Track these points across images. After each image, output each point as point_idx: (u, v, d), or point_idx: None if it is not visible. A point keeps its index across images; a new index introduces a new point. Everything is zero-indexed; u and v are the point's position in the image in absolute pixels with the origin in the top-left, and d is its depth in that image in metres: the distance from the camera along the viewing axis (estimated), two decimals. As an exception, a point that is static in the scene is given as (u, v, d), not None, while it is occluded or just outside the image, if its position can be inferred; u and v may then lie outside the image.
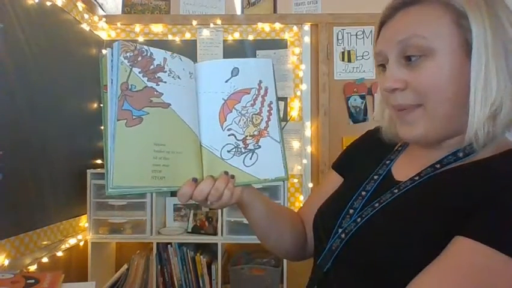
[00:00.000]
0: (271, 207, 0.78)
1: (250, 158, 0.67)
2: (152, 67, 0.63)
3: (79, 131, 2.01)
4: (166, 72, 0.64)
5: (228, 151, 0.67)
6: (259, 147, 0.68)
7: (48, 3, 1.76)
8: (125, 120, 0.59)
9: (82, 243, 2.00)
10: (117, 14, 2.38)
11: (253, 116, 0.68)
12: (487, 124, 0.57)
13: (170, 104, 0.63)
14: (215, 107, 0.68)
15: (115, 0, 2.43)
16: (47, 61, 1.75)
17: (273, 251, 0.85)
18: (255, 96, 0.69)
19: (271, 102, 0.69)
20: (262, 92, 0.69)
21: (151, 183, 0.60)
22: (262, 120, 0.68)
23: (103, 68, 0.62)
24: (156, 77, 0.63)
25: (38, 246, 1.64)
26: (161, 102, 0.62)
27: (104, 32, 2.33)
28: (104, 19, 2.30)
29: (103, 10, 2.32)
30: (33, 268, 1.59)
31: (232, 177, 0.66)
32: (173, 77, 0.64)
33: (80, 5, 2.06)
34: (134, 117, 0.59)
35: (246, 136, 0.68)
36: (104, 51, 0.72)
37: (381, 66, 0.66)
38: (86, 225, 2.02)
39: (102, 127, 0.60)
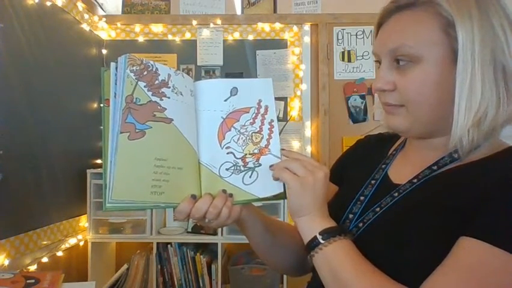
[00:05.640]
0: (271, 225, 0.77)
1: (250, 176, 0.67)
2: (157, 82, 0.63)
3: (79, 131, 2.01)
4: (170, 88, 0.64)
5: (227, 169, 0.66)
6: (260, 165, 0.67)
7: (48, 3, 1.76)
8: (128, 133, 0.58)
9: (82, 243, 2.01)
10: (117, 14, 2.38)
11: (253, 134, 0.68)
12: (472, 131, 0.58)
13: (172, 120, 0.63)
14: (214, 125, 0.68)
15: (115, 0, 2.43)
16: (47, 61, 1.75)
17: (275, 268, 0.84)
18: (254, 115, 0.69)
19: (272, 120, 0.69)
20: (262, 110, 0.69)
21: (150, 199, 0.59)
22: (262, 138, 0.68)
23: (105, 81, 0.62)
24: (160, 92, 0.63)
25: (38, 246, 1.64)
26: (164, 117, 0.62)
27: (104, 32, 2.33)
28: (104, 19, 2.30)
29: (103, 10, 2.32)
30: (33, 268, 1.59)
31: (231, 195, 0.65)
32: (176, 93, 0.64)
33: (80, 5, 2.06)
34: (137, 130, 0.59)
35: (246, 154, 0.67)
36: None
37: (379, 62, 0.68)
38: (86, 225, 2.02)
39: (102, 139, 0.60)
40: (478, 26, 0.58)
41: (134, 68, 0.61)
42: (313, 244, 0.61)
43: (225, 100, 0.68)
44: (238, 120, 0.68)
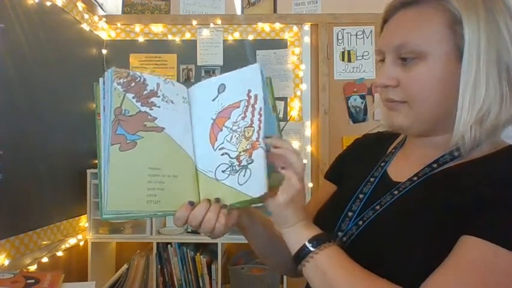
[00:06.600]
0: (270, 227, 0.75)
1: (244, 175, 0.62)
2: (145, 92, 0.63)
3: (79, 131, 2.01)
4: (159, 97, 0.64)
5: (223, 171, 0.64)
6: (252, 161, 0.61)
7: (48, 3, 1.76)
8: (119, 145, 0.59)
9: (82, 243, 2.01)
10: (117, 14, 2.38)
11: (245, 129, 0.63)
12: (474, 128, 0.58)
13: (164, 128, 0.63)
14: (205, 128, 0.66)
15: (115, 0, 2.43)
16: (47, 61, 1.75)
17: (275, 269, 0.84)
18: (245, 108, 0.64)
19: (260, 109, 0.63)
20: (252, 101, 0.64)
21: (146, 208, 0.59)
22: (254, 131, 0.62)
23: (97, 95, 0.62)
24: (149, 101, 0.63)
25: (38, 246, 1.64)
26: (155, 126, 0.62)
27: (104, 32, 2.33)
28: (104, 19, 2.30)
29: (103, 10, 2.32)
30: (33, 268, 1.59)
31: (225, 206, 0.62)
32: (166, 101, 0.65)
33: (80, 5, 2.06)
34: (128, 141, 0.59)
35: (240, 152, 0.63)
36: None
37: (382, 61, 0.68)
38: (86, 225, 2.02)
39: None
40: (484, 25, 0.58)
41: (121, 80, 0.62)
42: (303, 253, 0.59)
43: (213, 100, 0.67)
44: (229, 118, 0.65)
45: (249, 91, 0.64)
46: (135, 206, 0.59)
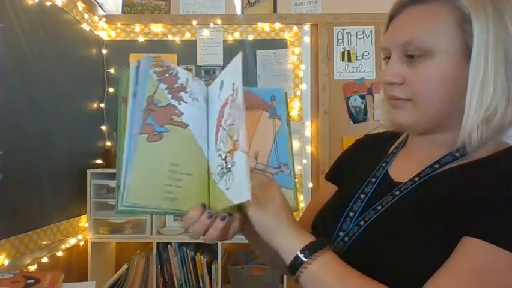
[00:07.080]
0: None
1: (229, 178, 0.57)
2: (176, 85, 0.61)
3: (79, 131, 2.01)
4: (187, 92, 0.62)
5: (217, 174, 0.60)
6: (234, 163, 0.56)
7: (48, 3, 1.76)
8: (148, 135, 0.57)
9: (82, 243, 2.01)
10: (117, 14, 2.38)
11: (229, 127, 0.59)
12: (481, 127, 0.58)
13: (188, 125, 0.61)
14: (213, 129, 0.64)
15: (115, 0, 2.43)
16: (47, 61, 1.75)
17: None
18: (230, 103, 0.60)
19: (239, 104, 0.57)
20: (234, 94, 0.59)
21: (161, 204, 0.57)
22: (235, 129, 0.58)
23: (123, 80, 0.61)
24: (179, 96, 0.61)
25: (38, 246, 1.64)
26: (181, 121, 0.60)
27: (104, 32, 2.33)
28: (104, 19, 2.30)
29: (103, 10, 2.32)
30: (33, 268, 1.59)
31: (209, 213, 0.59)
32: (193, 98, 0.63)
33: (80, 5, 2.06)
34: (155, 133, 0.57)
35: (227, 153, 0.58)
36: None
37: (387, 58, 0.67)
38: (86, 225, 2.03)
39: (112, 140, 0.59)
40: (493, 24, 0.58)
41: (157, 69, 0.60)
42: (297, 264, 0.58)
43: (217, 99, 0.64)
44: (223, 116, 0.61)
45: (233, 84, 0.60)
46: (152, 200, 0.56)
